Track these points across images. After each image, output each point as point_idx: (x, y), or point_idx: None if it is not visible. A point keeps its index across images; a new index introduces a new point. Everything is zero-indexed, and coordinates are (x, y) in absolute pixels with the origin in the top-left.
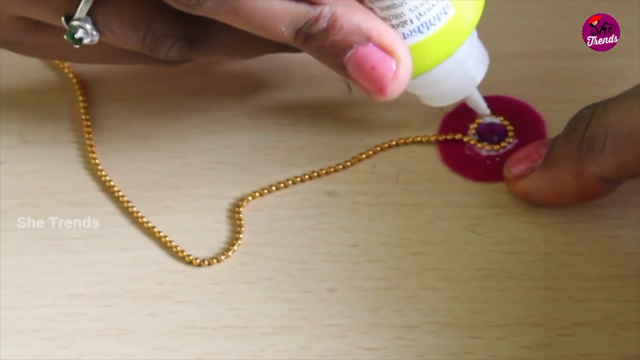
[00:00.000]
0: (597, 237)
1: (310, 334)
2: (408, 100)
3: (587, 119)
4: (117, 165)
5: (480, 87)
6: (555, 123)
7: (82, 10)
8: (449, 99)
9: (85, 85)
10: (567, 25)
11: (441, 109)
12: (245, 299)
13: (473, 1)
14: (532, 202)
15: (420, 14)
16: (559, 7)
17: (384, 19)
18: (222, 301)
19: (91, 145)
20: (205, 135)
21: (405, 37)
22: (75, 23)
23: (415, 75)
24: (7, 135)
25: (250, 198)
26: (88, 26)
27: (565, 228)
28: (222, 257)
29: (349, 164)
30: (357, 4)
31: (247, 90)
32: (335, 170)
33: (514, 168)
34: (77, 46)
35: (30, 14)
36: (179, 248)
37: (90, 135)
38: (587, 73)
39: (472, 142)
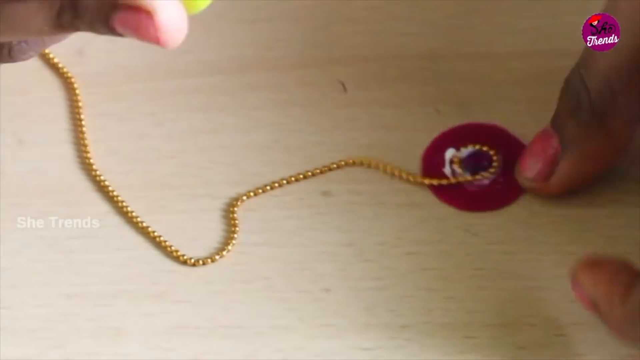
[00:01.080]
0: (593, 237)
1: (305, 333)
2: (404, 100)
3: (581, 86)
4: (112, 165)
5: (478, 87)
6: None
7: None
8: None
9: (80, 86)
10: (567, 25)
11: (437, 109)
12: (240, 298)
13: None
14: (574, 189)
15: None
16: (558, 7)
17: None
18: (217, 301)
19: (86, 145)
20: (201, 135)
21: None
22: None
23: (195, 11)
24: (3, 134)
25: (244, 198)
26: None
27: (561, 228)
28: (217, 257)
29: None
30: None
31: (242, 90)
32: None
33: (529, 172)
34: None
35: None
36: (173, 248)
37: (85, 135)
38: None
39: (463, 180)
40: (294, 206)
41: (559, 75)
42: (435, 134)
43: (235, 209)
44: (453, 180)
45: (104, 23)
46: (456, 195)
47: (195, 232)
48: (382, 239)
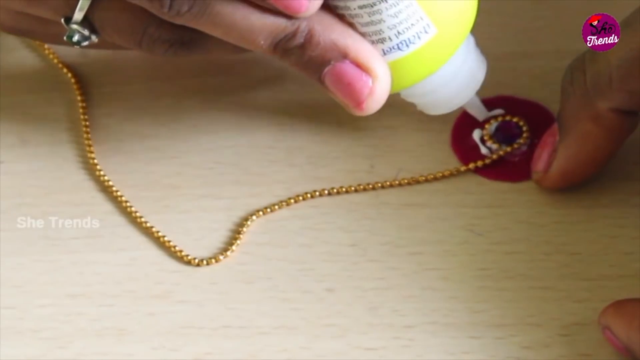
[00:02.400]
0: (596, 237)
1: (309, 333)
2: (406, 101)
3: (580, 68)
4: (116, 165)
5: (480, 86)
6: None
7: (78, 14)
8: (444, 109)
9: (83, 85)
10: (567, 25)
11: None
12: (243, 298)
13: (458, 18)
14: (574, 182)
15: (399, 32)
16: (558, 7)
17: (364, 34)
18: (220, 301)
19: (89, 145)
20: (204, 135)
21: (384, 54)
22: (73, 26)
23: (396, 89)
24: (6, 135)
25: (260, 213)
26: (86, 31)
27: (564, 228)
28: (221, 257)
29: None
30: (336, 20)
31: (245, 90)
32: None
33: (537, 165)
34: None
35: (33, 12)
36: (177, 248)
37: (89, 135)
38: None
39: (504, 153)
40: (297, 206)
41: (559, 75)
42: (435, 133)
43: (249, 222)
44: (495, 157)
45: (319, 67)
46: (504, 170)
47: (198, 232)
48: (385, 239)
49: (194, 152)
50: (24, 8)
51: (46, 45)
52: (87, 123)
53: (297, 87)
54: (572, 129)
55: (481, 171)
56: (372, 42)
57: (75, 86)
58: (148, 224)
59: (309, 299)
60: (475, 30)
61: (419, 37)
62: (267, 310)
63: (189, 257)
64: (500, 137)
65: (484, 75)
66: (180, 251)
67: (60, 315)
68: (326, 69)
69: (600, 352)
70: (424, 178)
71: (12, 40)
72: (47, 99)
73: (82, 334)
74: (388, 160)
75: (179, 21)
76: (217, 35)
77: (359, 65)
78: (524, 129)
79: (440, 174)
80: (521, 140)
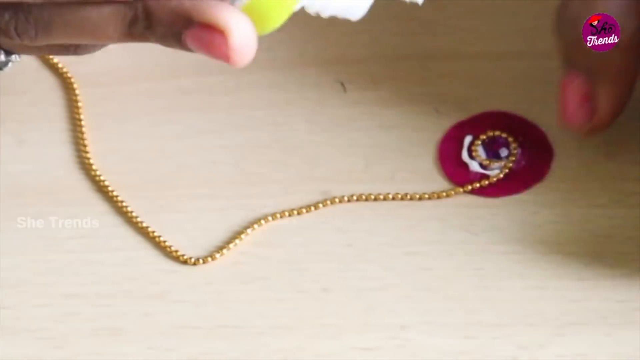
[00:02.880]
0: (592, 237)
1: (305, 333)
2: (404, 100)
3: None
4: (112, 165)
5: (478, 87)
6: (553, 122)
7: None
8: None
9: (79, 86)
10: None
11: (436, 109)
12: (239, 298)
13: None
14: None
15: None
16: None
17: None
18: (216, 301)
19: (85, 145)
20: (200, 135)
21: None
22: None
23: (265, 31)
24: (3, 135)
25: (270, 218)
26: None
27: (560, 228)
28: (217, 256)
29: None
30: None
31: (241, 90)
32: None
33: (579, 118)
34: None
35: None
36: (173, 248)
37: (85, 135)
38: None
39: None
40: (294, 206)
41: (559, 75)
42: (436, 133)
43: (245, 222)
44: (502, 175)
45: (176, 38)
46: (494, 188)
47: (194, 232)
48: (381, 239)
49: (190, 152)
50: None
51: None
52: (83, 123)
53: (294, 87)
54: (604, 66)
55: (475, 191)
56: None
57: (71, 86)
58: (144, 224)
59: (304, 299)
60: (475, 30)
61: None
62: (262, 310)
63: (185, 257)
64: (490, 154)
65: None
66: (176, 251)
67: (56, 315)
68: (182, 38)
69: (596, 353)
70: (417, 196)
71: None
72: (43, 98)
73: (78, 334)
74: (384, 161)
75: (36, 44)
76: (75, 42)
77: (208, 26)
78: (510, 139)
79: (436, 195)
80: (511, 157)
